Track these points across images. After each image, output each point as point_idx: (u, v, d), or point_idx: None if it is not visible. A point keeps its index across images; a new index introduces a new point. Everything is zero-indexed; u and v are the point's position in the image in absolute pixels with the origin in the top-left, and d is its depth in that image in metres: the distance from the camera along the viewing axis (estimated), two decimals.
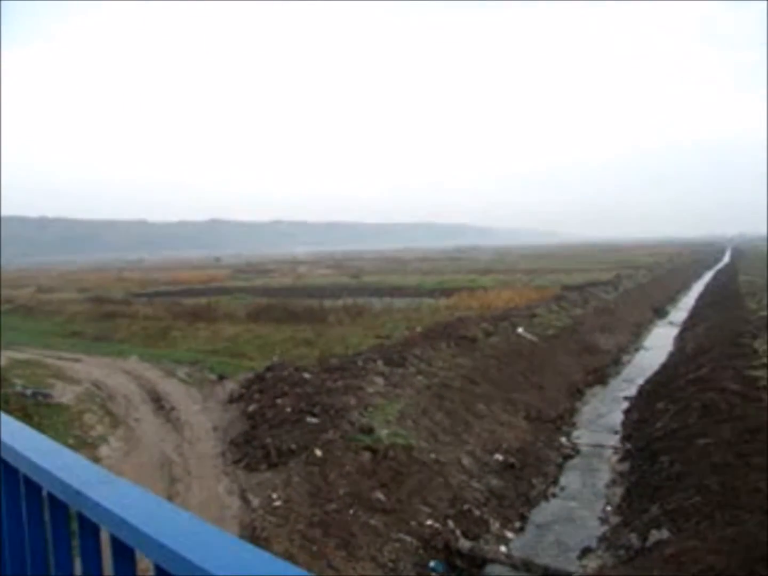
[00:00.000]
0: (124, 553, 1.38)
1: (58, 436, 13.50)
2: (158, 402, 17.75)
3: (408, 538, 11.32)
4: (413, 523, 11.78)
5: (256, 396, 17.42)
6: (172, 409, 17.14)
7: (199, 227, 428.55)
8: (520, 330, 28.20)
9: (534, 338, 27.74)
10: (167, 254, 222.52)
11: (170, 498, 11.77)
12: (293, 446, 13.44)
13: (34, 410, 15.67)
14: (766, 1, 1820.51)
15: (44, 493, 1.68)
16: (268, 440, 13.93)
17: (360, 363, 19.36)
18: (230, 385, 19.16)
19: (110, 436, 14.99)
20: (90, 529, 1.52)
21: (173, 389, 18.96)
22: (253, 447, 14.02)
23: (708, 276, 79.26)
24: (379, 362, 19.59)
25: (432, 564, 10.98)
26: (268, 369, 19.50)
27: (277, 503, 11.47)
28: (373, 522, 11.40)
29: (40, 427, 11.84)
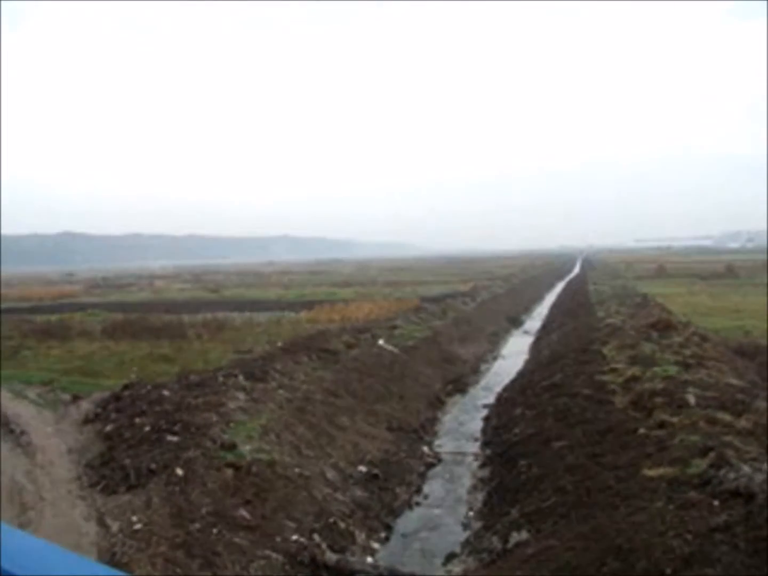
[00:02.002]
0: None
1: None
2: (7, 426, 16.75)
3: (274, 555, 11.15)
4: (278, 539, 11.63)
5: (113, 416, 16.77)
6: (23, 432, 16.23)
7: (50, 240, 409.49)
8: (380, 342, 28.48)
9: (395, 350, 28.07)
10: (16, 269, 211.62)
11: (21, 526, 11.15)
12: (153, 466, 13.00)
13: None
14: None
15: None
16: (127, 461, 13.42)
17: (221, 378, 18.99)
18: (85, 406, 18.34)
19: None
20: None
21: (23, 411, 17.97)
22: (110, 469, 13.45)
23: (560, 286, 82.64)
24: (240, 377, 19.29)
25: None
26: (126, 387, 18.82)
27: (138, 526, 11.05)
28: (237, 540, 11.17)
29: None
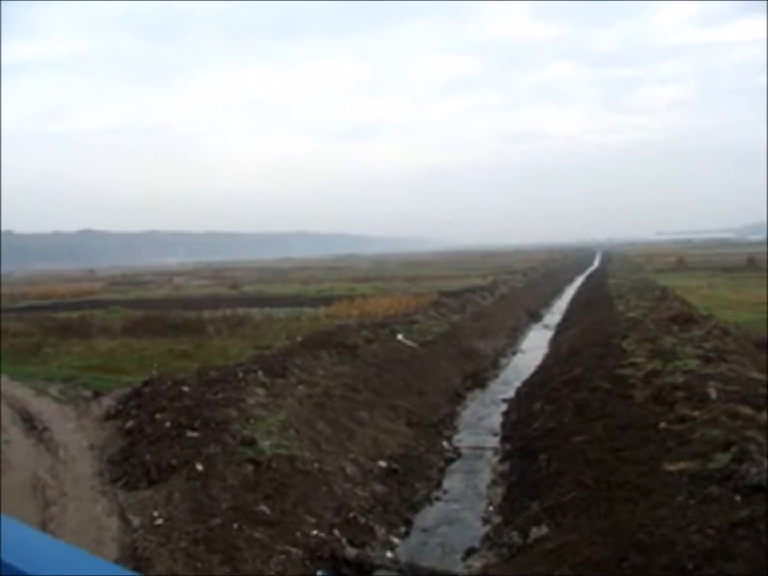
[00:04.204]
0: None
1: None
2: (30, 422, 16.93)
3: (294, 550, 11.19)
4: (299, 534, 11.66)
5: (134, 412, 16.88)
6: (45, 429, 16.39)
7: (71, 238, 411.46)
8: (399, 337, 28.49)
9: (414, 344, 28.08)
10: (38, 267, 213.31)
11: (45, 522, 11.27)
12: (174, 462, 13.09)
13: None
14: None
15: None
16: (148, 457, 13.52)
17: (240, 374, 19.06)
18: (106, 402, 18.48)
19: None
20: None
21: (46, 408, 18.15)
22: (131, 465, 13.56)
23: (579, 280, 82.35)
24: (260, 373, 19.35)
25: (319, 574, 10.89)
26: (146, 383, 18.92)
27: (159, 521, 11.13)
28: (257, 535, 11.21)
29: None
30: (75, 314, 40.55)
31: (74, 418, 17.38)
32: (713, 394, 15.02)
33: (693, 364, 18.56)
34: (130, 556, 10.08)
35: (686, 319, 27.45)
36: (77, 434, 16.15)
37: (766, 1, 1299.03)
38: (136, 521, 11.18)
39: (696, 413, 14.03)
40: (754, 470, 9.95)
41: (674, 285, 50.10)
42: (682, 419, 13.97)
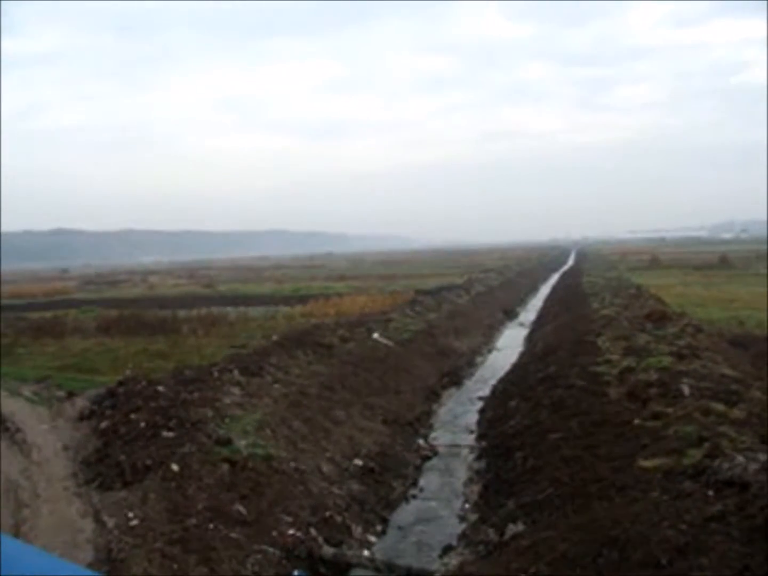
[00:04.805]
0: None
1: None
2: (2, 423, 16.73)
3: (270, 549, 11.17)
4: (275, 533, 11.64)
5: (109, 412, 16.73)
6: (18, 430, 16.20)
7: (44, 237, 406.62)
8: (375, 335, 28.49)
9: (390, 343, 28.09)
10: (9, 266, 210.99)
11: (17, 525, 11.15)
12: (149, 462, 13.00)
13: None
14: None
15: None
16: (123, 457, 13.42)
17: (216, 374, 18.97)
18: (80, 402, 18.30)
19: None
20: None
21: (18, 409, 17.92)
22: (106, 465, 13.45)
23: (555, 278, 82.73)
24: (236, 372, 19.27)
25: (296, 573, 10.87)
26: (121, 383, 18.76)
27: (134, 522, 11.05)
28: (234, 535, 11.17)
29: None
30: (48, 314, 40.16)
31: (48, 419, 17.20)
32: (686, 391, 15.17)
33: (667, 361, 18.71)
34: (105, 558, 9.99)
35: (660, 317, 27.70)
36: (51, 435, 15.98)
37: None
38: (110, 522, 11.08)
39: (670, 410, 14.17)
40: (726, 466, 10.06)
41: (648, 283, 50.56)
42: (656, 416, 14.09)
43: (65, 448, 15.12)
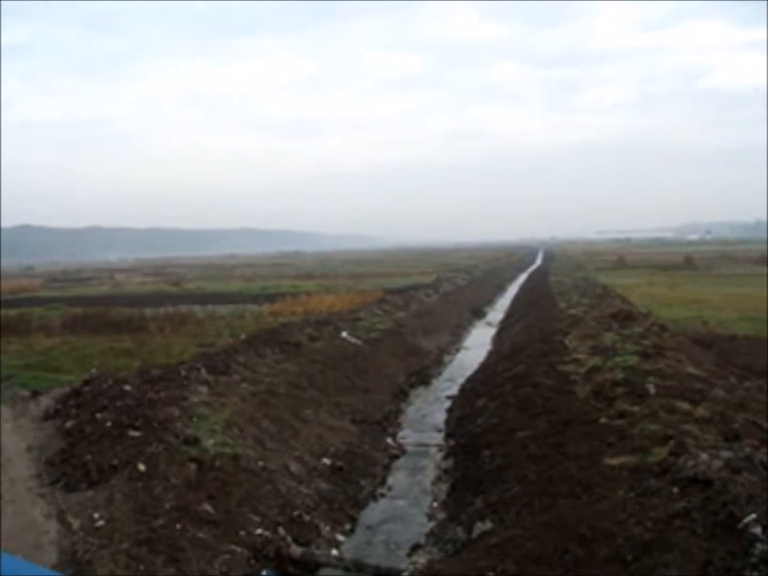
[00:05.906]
0: None
1: None
2: None
3: (238, 549, 11.11)
4: (243, 533, 11.58)
5: (74, 411, 16.52)
6: None
7: (8, 234, 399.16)
8: (344, 334, 28.48)
9: (358, 342, 28.10)
10: None
11: None
12: (115, 462, 12.86)
13: None
14: None
15: None
16: (88, 457, 13.26)
17: (183, 372, 18.82)
18: (45, 401, 18.05)
19: None
20: None
21: None
22: (71, 466, 13.27)
23: (522, 278, 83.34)
24: (203, 371, 19.15)
25: (264, 573, 10.83)
26: (86, 382, 18.53)
27: (100, 523, 10.92)
28: (201, 535, 11.10)
29: None
30: (12, 312, 39.58)
31: (11, 419, 16.96)
32: (652, 390, 15.35)
33: (633, 360, 18.92)
34: (70, 560, 9.87)
35: (626, 317, 28.02)
36: (14, 435, 15.76)
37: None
38: (75, 524, 10.96)
39: (635, 408, 14.32)
40: (690, 463, 10.18)
41: (615, 283, 51.13)
42: (622, 414, 14.25)
43: (29, 448, 14.91)
